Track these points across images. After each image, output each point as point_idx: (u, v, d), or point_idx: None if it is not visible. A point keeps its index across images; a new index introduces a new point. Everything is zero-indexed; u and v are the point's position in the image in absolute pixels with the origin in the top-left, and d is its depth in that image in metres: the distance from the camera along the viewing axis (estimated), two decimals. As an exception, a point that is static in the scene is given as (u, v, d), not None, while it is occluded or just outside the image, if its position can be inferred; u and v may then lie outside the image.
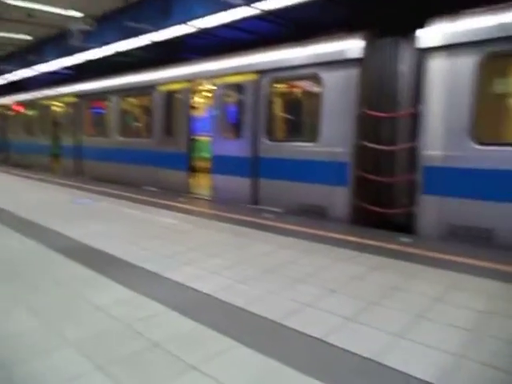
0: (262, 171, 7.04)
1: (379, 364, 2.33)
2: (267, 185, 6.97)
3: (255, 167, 7.17)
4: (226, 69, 7.72)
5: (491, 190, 4.67)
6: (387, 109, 5.79)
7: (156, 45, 10.27)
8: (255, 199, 7.18)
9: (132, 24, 9.32)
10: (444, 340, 2.58)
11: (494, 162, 4.66)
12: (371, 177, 5.88)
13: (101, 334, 2.68)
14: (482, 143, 4.77)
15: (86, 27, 10.51)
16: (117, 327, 2.78)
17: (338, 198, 6.02)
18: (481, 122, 4.86)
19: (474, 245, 4.70)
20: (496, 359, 2.36)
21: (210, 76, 7.99)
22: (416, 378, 2.19)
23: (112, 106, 10.76)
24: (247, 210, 6.85)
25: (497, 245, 4.61)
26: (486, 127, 5.09)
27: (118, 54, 11.38)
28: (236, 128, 7.65)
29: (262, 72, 7.06)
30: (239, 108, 7.53)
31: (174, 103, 8.85)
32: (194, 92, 8.70)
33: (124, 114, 10.93)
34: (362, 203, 5.91)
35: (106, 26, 10.66)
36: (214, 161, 7.96)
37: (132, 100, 10.96)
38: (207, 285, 3.51)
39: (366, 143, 5.82)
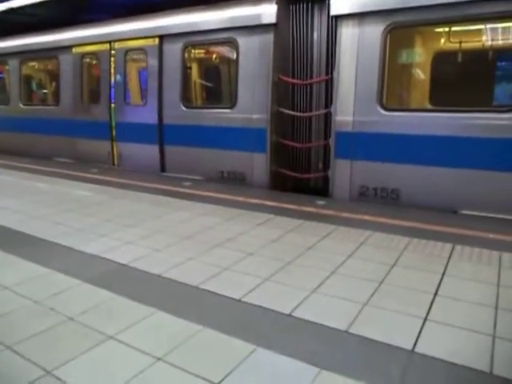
0: (179, 138, 6.90)
1: (296, 318, 2.45)
2: (185, 152, 6.85)
3: (165, 134, 7.04)
4: (129, 32, 7.35)
5: (398, 154, 5.00)
6: (302, 75, 5.90)
7: (59, 2, 9.36)
8: (172, 167, 7.06)
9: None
10: (355, 292, 2.77)
11: (399, 126, 4.97)
12: (288, 143, 6.02)
13: (7, 314, 2.51)
14: (388, 109, 5.04)
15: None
16: (27, 305, 2.62)
17: (257, 164, 6.09)
18: (387, 89, 5.13)
19: (384, 204, 5.03)
20: (400, 305, 2.59)
21: (117, 39, 7.57)
22: (329, 328, 2.34)
23: (12, 71, 9.78)
24: (166, 178, 6.72)
25: (403, 204, 4.98)
26: (392, 94, 5.39)
27: (16, 13, 10.24)
28: (141, 94, 7.38)
29: (169, 36, 6.80)
30: (145, 73, 7.28)
31: (90, 67, 8.28)
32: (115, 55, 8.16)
33: (27, 79, 10.00)
34: (280, 169, 6.05)
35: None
36: (119, 128, 7.67)
37: (39, 64, 10.04)
38: (123, 255, 3.43)
39: (283, 109, 5.91)
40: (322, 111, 5.77)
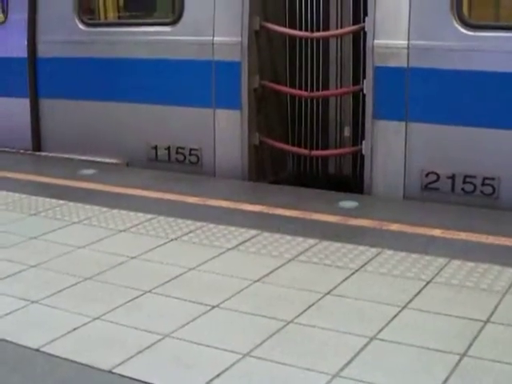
0: (71, 85, 6.85)
1: None
2: (84, 112, 6.80)
3: (42, 78, 7.03)
4: None
5: (492, 110, 5.06)
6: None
7: None
8: (57, 142, 7.01)
9: None
10: (416, 376, 2.77)
11: (494, 58, 5.02)
12: (284, 89, 6.01)
13: None
14: (474, 27, 5.08)
15: None
16: None
17: (223, 131, 6.09)
18: None
19: (470, 206, 5.08)
20: None
21: None
22: None
23: None
24: (47, 162, 6.76)
25: (505, 205, 5.03)
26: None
27: None
28: None
29: None
30: None
31: None
32: None
33: None
34: (268, 140, 6.04)
35: None
36: None
37: None
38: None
39: (272, 25, 5.89)
40: (349, 29, 5.79)
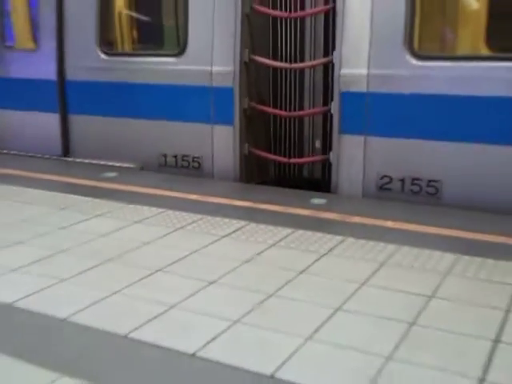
0: (94, 104, 6.82)
1: (281, 382, 2.42)
2: (105, 125, 6.77)
3: (70, 97, 6.99)
4: None
5: (438, 126, 5.06)
6: (288, 4, 5.88)
7: None
8: (83, 149, 6.97)
9: None
10: (373, 340, 2.77)
11: (440, 84, 5.02)
12: (268, 110, 6.01)
13: None
14: (423, 57, 5.08)
15: None
16: None
17: (219, 143, 6.09)
18: (422, 25, 5.17)
19: (416, 203, 5.09)
20: (442, 359, 2.59)
21: None
22: None
23: None
24: (75, 166, 6.69)
25: (446, 202, 5.05)
26: (428, 34, 5.44)
27: None
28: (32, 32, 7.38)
29: None
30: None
31: None
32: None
33: None
34: (255, 150, 6.04)
35: None
36: None
37: None
38: (5, 290, 3.39)
39: (259, 58, 5.88)
40: (320, 61, 5.78)
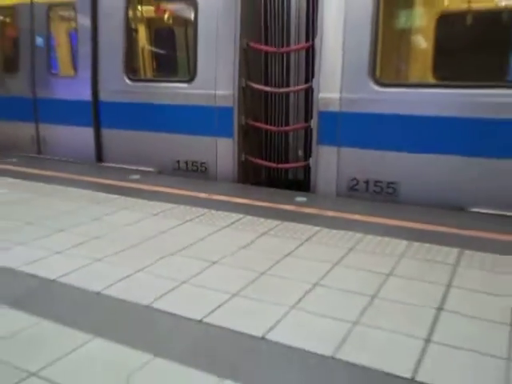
0: (121, 119, 6.80)
1: (271, 342, 2.44)
2: (130, 137, 6.76)
3: (102, 114, 6.96)
4: None
5: (395, 139, 5.07)
6: (277, 42, 5.90)
7: None
8: (112, 156, 6.97)
9: None
10: (343, 309, 2.79)
11: (397, 105, 5.04)
12: (261, 125, 6.02)
13: None
14: (383, 84, 5.09)
15: None
16: None
17: (222, 151, 6.07)
18: (382, 59, 5.19)
19: (378, 201, 5.11)
20: (398, 324, 2.62)
21: None
22: (312, 353, 2.34)
23: None
24: (107, 170, 6.64)
25: (402, 200, 5.06)
26: (387, 66, 5.46)
27: None
28: (72, 62, 7.33)
29: None
30: (76, 36, 7.19)
31: (5, 27, 8.06)
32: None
33: None
34: (250, 157, 6.05)
35: None
36: (43, 106, 7.53)
37: None
38: (51, 268, 3.37)
39: (253, 84, 5.89)
40: (302, 86, 5.79)
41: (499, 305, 2.84)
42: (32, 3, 7.38)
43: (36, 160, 7.35)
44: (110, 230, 4.20)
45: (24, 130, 7.75)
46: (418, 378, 2.15)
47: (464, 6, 5.81)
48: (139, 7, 7.11)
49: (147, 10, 7.56)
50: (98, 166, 6.96)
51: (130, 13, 6.78)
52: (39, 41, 7.41)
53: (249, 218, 4.53)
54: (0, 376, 2.18)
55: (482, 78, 4.84)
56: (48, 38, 7.43)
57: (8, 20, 7.97)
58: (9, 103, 7.82)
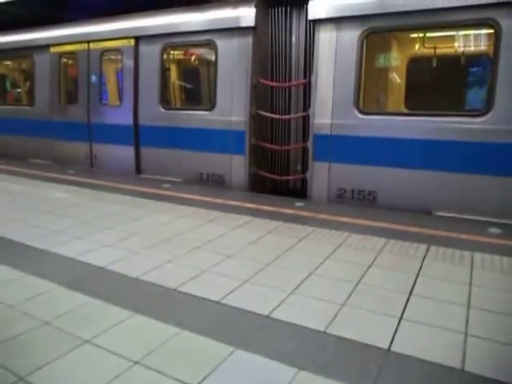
0: (156, 140, 6.84)
1: (274, 319, 2.46)
2: (162, 154, 6.80)
3: (141, 135, 7.01)
4: (105, 32, 7.30)
5: (374, 156, 5.06)
6: (281, 78, 5.94)
7: (36, 1, 9.12)
8: (148, 169, 7.01)
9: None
10: (333, 293, 2.79)
11: (376, 130, 5.03)
12: (267, 145, 6.04)
13: (-22, 318, 2.45)
14: (365, 113, 5.10)
15: None
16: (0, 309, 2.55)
17: (236, 166, 6.09)
18: (364, 93, 5.20)
19: (361, 206, 5.09)
20: (377, 305, 2.62)
21: (93, 39, 7.48)
22: (307, 328, 2.35)
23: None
24: (144, 180, 6.65)
25: (380, 205, 5.05)
26: (368, 98, 5.47)
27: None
28: (118, 95, 7.38)
29: (146, 37, 6.75)
30: (122, 74, 7.23)
31: (68, 67, 8.13)
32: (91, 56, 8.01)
33: (1, 78, 9.77)
34: (258, 171, 6.07)
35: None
36: (95, 129, 7.59)
37: (14, 63, 9.81)
38: (100, 258, 3.39)
39: (262, 112, 5.92)
40: (301, 114, 5.81)
41: (455, 289, 2.84)
42: (89, 49, 7.51)
43: (89, 172, 7.41)
44: (146, 228, 4.21)
45: (80, 148, 7.81)
46: (393, 349, 2.16)
47: (430, 52, 5.82)
48: (171, 51, 7.16)
49: (177, 54, 7.62)
50: (137, 177, 7.00)
51: (164, 56, 6.83)
52: (93, 78, 7.51)
53: (257, 219, 4.54)
54: (60, 342, 2.21)
55: (443, 108, 4.84)
56: (100, 76, 7.53)
57: (71, 63, 8.07)
58: (69, 127, 7.91)
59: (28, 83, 9.33)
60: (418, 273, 3.13)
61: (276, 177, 6.06)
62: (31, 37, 8.44)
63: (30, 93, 8.91)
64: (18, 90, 10.18)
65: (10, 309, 2.57)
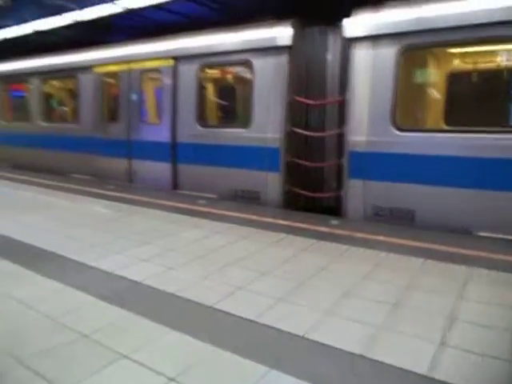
0: (193, 157, 6.95)
1: (309, 340, 2.41)
2: (199, 170, 6.90)
3: (178, 152, 7.13)
4: (145, 53, 7.55)
5: (412, 174, 4.96)
6: (316, 96, 5.93)
7: (80, 24, 9.62)
8: (185, 185, 7.11)
9: (52, 1, 8.64)
10: (369, 315, 2.72)
11: (413, 147, 4.94)
12: (302, 162, 6.02)
13: (22, 329, 2.53)
14: (402, 130, 5.02)
15: (1, 3, 9.61)
16: (40, 321, 2.63)
17: (271, 183, 6.09)
18: (401, 109, 5.12)
19: (399, 225, 4.97)
20: (416, 329, 2.53)
21: (131, 60, 7.75)
22: (343, 351, 2.30)
23: (33, 89, 10.03)
24: (181, 196, 6.75)
25: (418, 225, 4.91)
26: (405, 115, 5.38)
27: (39, 33, 10.55)
28: (157, 113, 7.58)
29: (184, 57, 6.93)
30: (161, 93, 7.42)
31: (110, 87, 8.46)
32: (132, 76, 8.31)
33: (48, 97, 10.25)
34: (293, 188, 6.04)
35: (22, 3, 9.80)
36: (134, 146, 7.79)
37: (59, 83, 10.29)
38: (137, 272, 3.44)
39: (297, 129, 5.93)
40: (335, 131, 5.78)
41: (501, 313, 2.71)
42: (130, 69, 7.79)
43: (128, 187, 7.59)
44: (181, 244, 4.25)
45: (120, 164, 8.04)
46: (432, 375, 2.07)
47: (470, 67, 5.68)
48: (208, 71, 7.32)
49: (215, 73, 7.78)
50: (174, 193, 7.11)
51: (202, 75, 6.99)
52: (133, 97, 7.76)
53: (291, 236, 4.50)
54: (98, 355, 2.25)
55: (484, 124, 4.70)
56: (140, 95, 7.77)
57: (112, 82, 8.38)
58: (110, 144, 8.18)
59: (73, 102, 9.75)
60: (459, 295, 3.00)
61: (310, 194, 6.01)
62: (76, 58, 8.86)
63: (75, 111, 9.31)
64: (64, 108, 10.66)
65: (50, 320, 2.64)
